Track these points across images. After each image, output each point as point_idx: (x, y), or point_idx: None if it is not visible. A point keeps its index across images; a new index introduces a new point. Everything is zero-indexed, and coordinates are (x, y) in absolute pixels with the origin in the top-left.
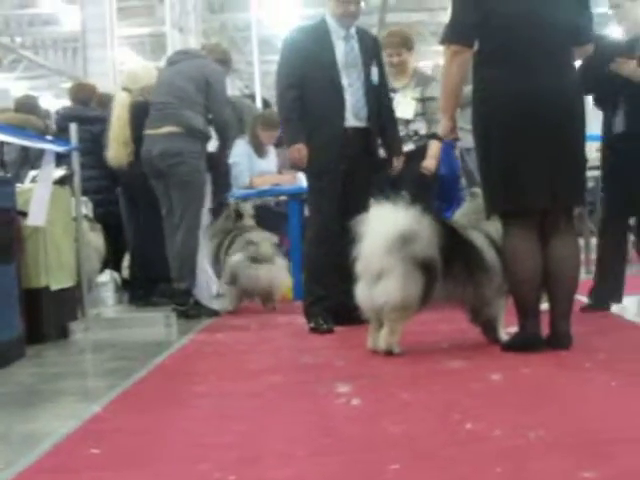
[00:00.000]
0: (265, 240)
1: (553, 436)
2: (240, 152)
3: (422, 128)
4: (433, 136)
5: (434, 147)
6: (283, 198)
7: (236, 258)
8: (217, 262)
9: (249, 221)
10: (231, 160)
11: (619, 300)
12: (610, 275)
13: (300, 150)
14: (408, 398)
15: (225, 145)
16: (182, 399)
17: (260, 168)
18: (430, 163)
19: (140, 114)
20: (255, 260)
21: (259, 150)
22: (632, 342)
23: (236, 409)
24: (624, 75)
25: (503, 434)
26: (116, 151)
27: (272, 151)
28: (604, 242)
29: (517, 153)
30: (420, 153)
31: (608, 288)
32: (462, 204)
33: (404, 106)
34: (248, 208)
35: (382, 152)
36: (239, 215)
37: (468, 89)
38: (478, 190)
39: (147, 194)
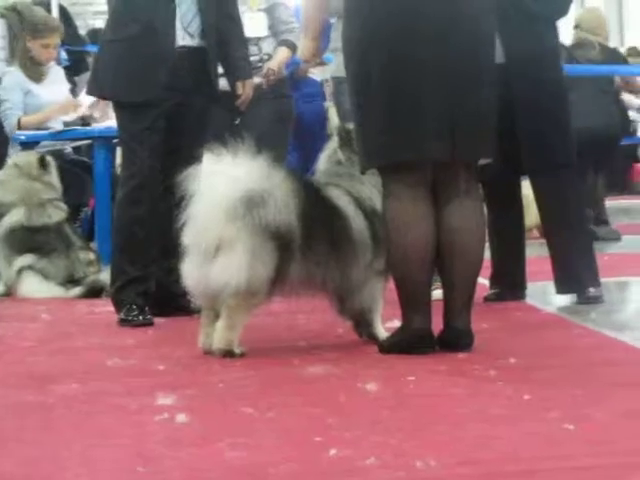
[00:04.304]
0: None
1: (445, 466)
2: (8, 83)
3: (271, 47)
4: (284, 42)
5: (282, 53)
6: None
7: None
8: None
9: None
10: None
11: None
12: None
13: None
14: (253, 414)
15: None
16: None
17: (39, 100)
18: (275, 65)
19: None
20: None
21: (34, 73)
22: (552, 342)
23: (17, 428)
24: None
25: (380, 463)
26: None
27: (57, 72)
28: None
29: (404, 86)
30: (276, 90)
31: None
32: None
33: (251, 20)
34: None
35: (224, 83)
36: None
37: None
38: (345, 127)
39: None
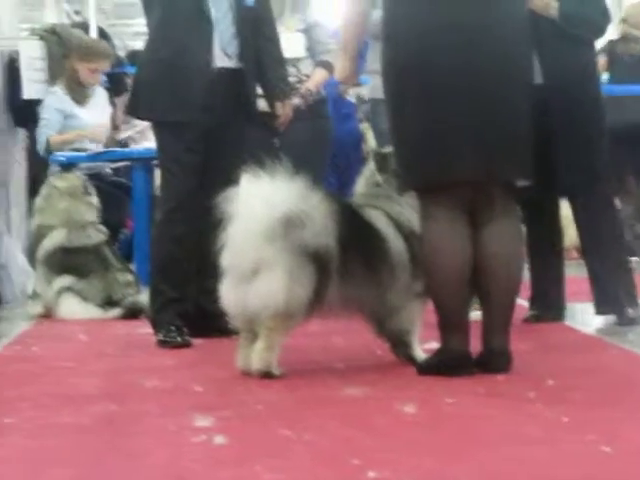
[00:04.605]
0: None
1: None
2: (48, 102)
3: (310, 68)
4: (321, 63)
5: (320, 73)
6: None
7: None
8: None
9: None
10: (40, 112)
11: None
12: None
13: None
14: (290, 436)
15: None
16: None
17: (80, 122)
18: (313, 85)
19: None
20: None
21: (78, 95)
22: (590, 364)
23: (56, 448)
24: (538, 12)
25: None
26: None
27: (101, 94)
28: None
29: (440, 108)
30: (314, 111)
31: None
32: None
33: (288, 41)
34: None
35: (263, 104)
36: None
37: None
38: (383, 150)
39: None
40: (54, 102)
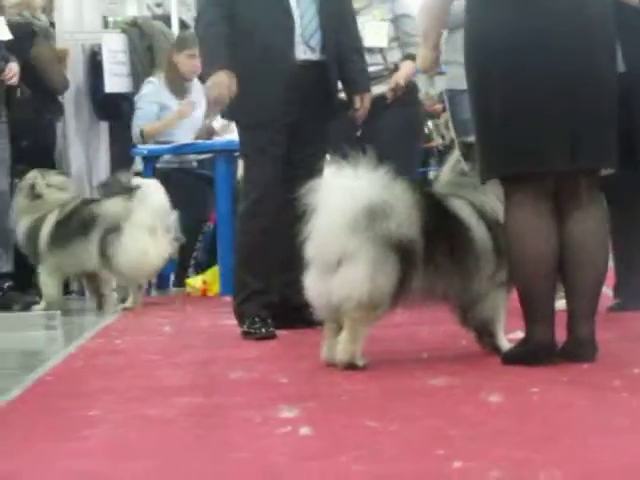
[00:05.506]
0: None
1: (569, 477)
2: (144, 93)
3: (396, 57)
4: (407, 57)
5: (408, 66)
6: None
7: None
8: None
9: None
10: (136, 102)
11: None
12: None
13: (220, 82)
14: (376, 427)
15: None
16: (67, 429)
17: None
18: (402, 79)
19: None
20: None
21: (177, 87)
22: None
23: (140, 441)
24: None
25: (504, 475)
26: None
27: (198, 88)
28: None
29: (524, 98)
30: (406, 99)
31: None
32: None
33: (374, 30)
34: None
35: (343, 95)
36: (37, 195)
37: (459, 5)
38: (468, 140)
39: None
40: (150, 92)
